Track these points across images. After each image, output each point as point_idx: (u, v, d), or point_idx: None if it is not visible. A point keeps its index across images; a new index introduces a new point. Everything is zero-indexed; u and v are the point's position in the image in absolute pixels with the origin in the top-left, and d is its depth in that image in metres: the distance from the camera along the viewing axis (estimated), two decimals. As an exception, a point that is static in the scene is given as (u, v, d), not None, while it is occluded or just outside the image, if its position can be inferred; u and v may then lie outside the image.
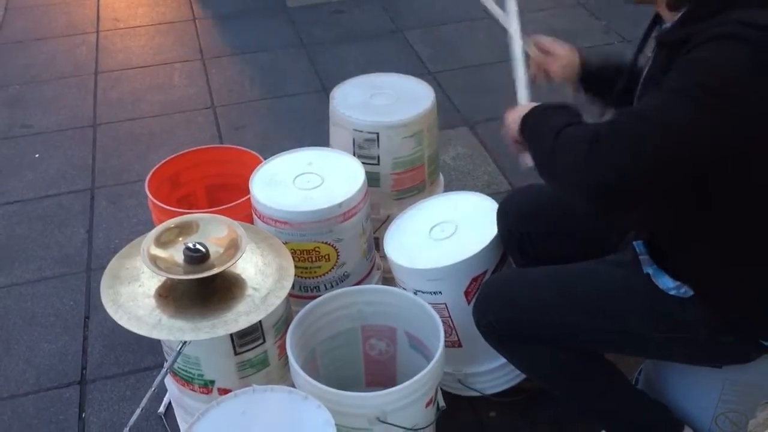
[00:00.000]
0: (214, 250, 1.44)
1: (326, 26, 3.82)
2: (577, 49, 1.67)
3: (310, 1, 4.06)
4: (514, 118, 1.43)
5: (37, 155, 2.94)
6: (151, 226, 1.93)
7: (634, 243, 1.40)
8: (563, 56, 1.66)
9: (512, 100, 2.99)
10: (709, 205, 1.25)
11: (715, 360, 1.40)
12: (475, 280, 1.68)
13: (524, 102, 1.56)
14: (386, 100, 2.04)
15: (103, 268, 1.51)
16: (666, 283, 1.35)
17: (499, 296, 1.49)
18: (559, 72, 1.66)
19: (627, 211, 1.28)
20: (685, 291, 1.34)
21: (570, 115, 1.31)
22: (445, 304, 1.70)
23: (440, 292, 1.69)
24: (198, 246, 1.41)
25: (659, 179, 1.15)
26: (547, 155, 1.26)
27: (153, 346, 2.00)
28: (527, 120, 1.38)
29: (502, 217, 1.70)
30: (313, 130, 2.90)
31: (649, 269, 1.37)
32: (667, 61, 1.23)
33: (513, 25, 1.68)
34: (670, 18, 1.29)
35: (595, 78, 1.64)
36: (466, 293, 1.68)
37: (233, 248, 1.44)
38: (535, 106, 1.39)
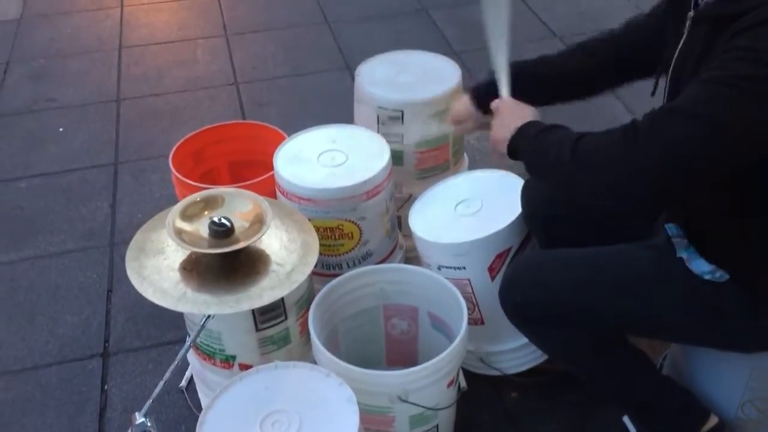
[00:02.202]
0: (239, 224, 1.43)
1: (351, 4, 3.78)
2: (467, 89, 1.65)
3: (334, -23, 4.02)
4: (502, 134, 1.40)
5: (61, 129, 2.95)
6: (174, 201, 1.93)
7: (666, 226, 1.38)
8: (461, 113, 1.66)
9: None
10: (752, 187, 1.21)
11: (747, 346, 1.38)
12: (499, 256, 1.66)
13: (506, 95, 1.52)
14: (412, 77, 2.02)
15: (126, 242, 1.52)
16: (701, 266, 1.33)
17: (527, 277, 1.47)
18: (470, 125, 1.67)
19: (671, 206, 1.26)
20: (721, 275, 1.31)
21: (573, 132, 1.28)
22: (469, 279, 1.69)
23: (464, 268, 1.68)
24: (223, 220, 1.41)
25: (707, 176, 1.13)
26: (565, 167, 1.23)
27: (175, 320, 2.01)
28: (518, 142, 1.36)
29: (526, 198, 1.68)
30: (336, 108, 2.87)
31: (683, 253, 1.35)
32: (708, 39, 1.18)
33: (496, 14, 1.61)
34: None
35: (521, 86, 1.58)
36: (491, 269, 1.67)
37: (258, 223, 1.43)
38: (522, 128, 1.36)
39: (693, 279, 1.33)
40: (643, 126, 1.15)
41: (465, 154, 2.20)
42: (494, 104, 1.50)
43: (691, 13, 1.25)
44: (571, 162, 1.23)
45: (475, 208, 1.73)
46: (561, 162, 1.24)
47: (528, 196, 1.68)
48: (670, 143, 1.11)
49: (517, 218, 1.67)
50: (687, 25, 1.29)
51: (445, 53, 2.21)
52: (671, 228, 1.37)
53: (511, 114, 1.42)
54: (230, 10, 3.77)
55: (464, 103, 1.66)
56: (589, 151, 1.21)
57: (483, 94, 1.60)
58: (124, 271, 1.46)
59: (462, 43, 3.37)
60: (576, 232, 1.57)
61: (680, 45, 1.30)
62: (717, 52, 1.14)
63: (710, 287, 1.32)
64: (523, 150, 1.37)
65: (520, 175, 1.81)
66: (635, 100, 2.92)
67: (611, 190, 1.20)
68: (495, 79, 1.57)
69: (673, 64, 1.32)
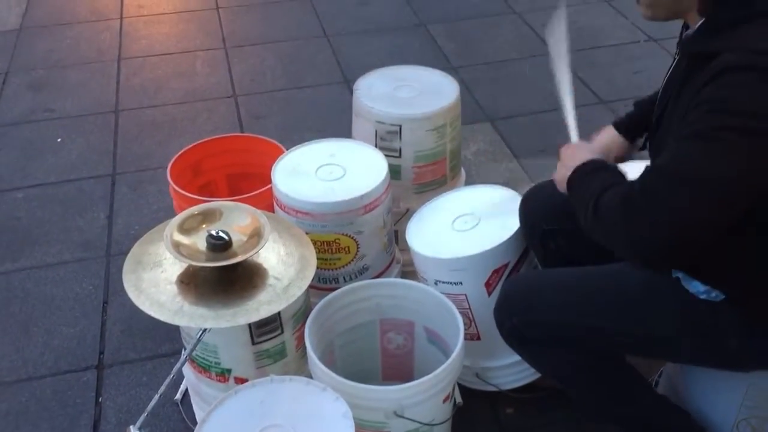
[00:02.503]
0: (237, 238, 1.43)
1: (350, 18, 3.80)
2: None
3: (333, -8, 4.05)
4: (562, 174, 1.42)
5: (59, 139, 2.96)
6: (171, 213, 1.93)
7: None
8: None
9: (534, 96, 2.99)
10: (748, 216, 1.22)
11: (743, 365, 1.38)
12: (496, 272, 1.67)
13: (576, 139, 1.55)
14: (410, 92, 2.03)
15: (123, 253, 1.52)
16: (696, 287, 1.33)
17: (523, 298, 1.47)
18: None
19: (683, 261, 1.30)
20: (716, 295, 1.32)
21: (612, 176, 1.31)
22: (466, 295, 1.69)
23: (461, 283, 1.68)
24: (221, 234, 1.41)
25: (706, 232, 1.15)
26: (591, 221, 1.27)
27: (171, 332, 2.01)
28: (572, 181, 1.38)
29: (525, 212, 1.69)
30: (335, 121, 2.89)
31: (678, 273, 1.35)
32: (686, 73, 1.22)
33: (562, 65, 1.65)
34: (694, 23, 1.26)
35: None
36: (487, 285, 1.67)
37: (256, 237, 1.44)
38: (580, 167, 1.37)
39: (688, 298, 1.34)
40: (637, 192, 1.18)
41: (462, 169, 2.20)
42: (562, 149, 1.50)
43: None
44: (591, 218, 1.27)
45: (472, 223, 1.74)
46: (586, 216, 1.28)
47: (527, 209, 1.68)
48: (661, 213, 1.15)
49: (514, 234, 1.67)
50: (675, 55, 1.34)
51: (443, 68, 2.23)
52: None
53: (573, 156, 1.43)
54: (230, 23, 3.79)
55: (610, 134, 1.66)
56: (602, 212, 1.25)
57: (625, 127, 1.64)
58: (121, 282, 1.46)
59: (460, 58, 3.39)
60: (574, 247, 1.58)
61: (667, 75, 1.35)
62: (692, 94, 1.17)
63: (705, 306, 1.33)
64: (572, 190, 1.39)
65: (516, 190, 1.83)
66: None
67: (619, 251, 1.25)
68: (636, 113, 1.63)
69: (660, 93, 1.37)
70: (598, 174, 1.33)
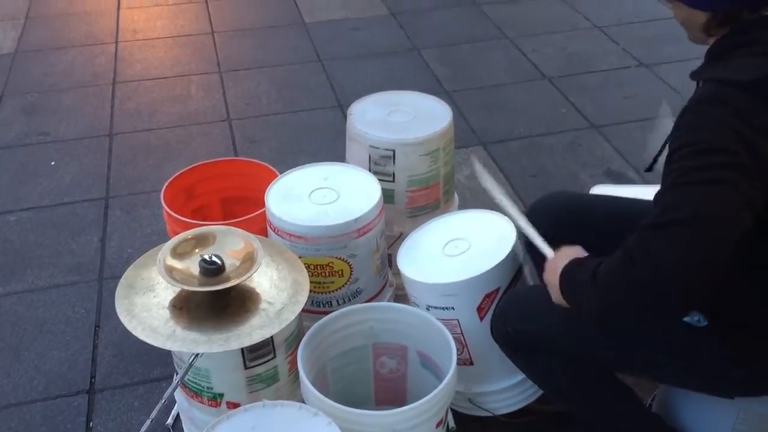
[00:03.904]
0: (230, 262, 1.44)
1: (343, 42, 3.84)
2: None
3: (328, 17, 4.09)
4: (553, 283, 1.39)
5: (53, 163, 2.96)
6: (165, 236, 1.94)
7: None
8: None
9: (526, 121, 3.01)
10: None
11: (726, 391, 1.39)
12: (488, 296, 1.67)
13: (551, 255, 1.52)
14: (404, 117, 2.04)
15: (115, 276, 1.52)
16: None
17: (518, 307, 1.50)
18: None
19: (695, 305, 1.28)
20: (699, 320, 1.33)
21: (597, 259, 1.29)
22: (458, 320, 1.69)
23: (453, 308, 1.68)
24: (214, 258, 1.41)
25: (710, 275, 1.14)
26: (596, 309, 1.24)
27: (163, 357, 2.00)
28: (563, 284, 1.35)
29: (532, 221, 1.70)
30: (329, 145, 2.91)
31: None
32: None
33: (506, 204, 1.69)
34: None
35: None
36: (479, 309, 1.67)
37: (249, 261, 1.44)
38: (564, 271, 1.35)
39: (673, 321, 1.34)
40: (634, 250, 1.15)
41: (455, 193, 2.22)
42: (545, 271, 1.46)
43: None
44: (595, 304, 1.24)
45: (464, 247, 1.74)
46: (587, 300, 1.26)
47: (534, 217, 1.69)
48: (664, 265, 1.12)
49: (506, 258, 1.68)
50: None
51: (436, 92, 2.25)
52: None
53: (555, 268, 1.39)
54: (225, 48, 3.82)
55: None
56: (601, 286, 1.21)
57: None
58: (113, 306, 1.46)
59: (452, 83, 3.42)
60: None
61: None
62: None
63: (689, 331, 1.33)
64: (565, 292, 1.35)
65: (509, 216, 1.83)
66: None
67: (632, 314, 1.23)
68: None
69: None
70: (583, 263, 1.31)
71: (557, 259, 1.40)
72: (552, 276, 1.38)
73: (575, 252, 1.39)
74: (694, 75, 1.26)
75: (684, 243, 1.11)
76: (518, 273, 1.74)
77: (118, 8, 4.24)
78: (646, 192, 1.67)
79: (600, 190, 2.08)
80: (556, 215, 1.69)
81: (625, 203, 1.67)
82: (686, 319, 1.33)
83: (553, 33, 3.83)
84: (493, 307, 1.67)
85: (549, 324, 1.43)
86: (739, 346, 1.31)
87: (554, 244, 1.64)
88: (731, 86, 1.14)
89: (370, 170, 1.95)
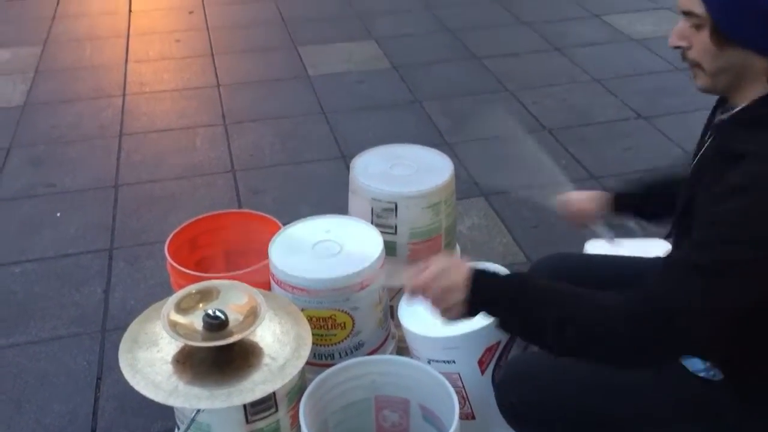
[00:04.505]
0: (234, 317, 1.44)
1: (347, 95, 3.90)
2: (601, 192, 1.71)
3: (331, 70, 4.17)
4: (445, 294, 1.28)
5: (58, 214, 2.99)
6: (168, 288, 1.95)
7: None
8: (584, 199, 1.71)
9: (527, 172, 2.96)
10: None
11: None
12: (489, 350, 1.67)
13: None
14: (406, 170, 2.07)
15: (118, 328, 1.53)
16: (696, 365, 1.33)
17: (524, 377, 1.46)
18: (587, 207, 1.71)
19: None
20: (715, 374, 1.32)
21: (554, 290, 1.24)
22: (459, 374, 1.69)
23: (454, 362, 1.68)
24: (218, 313, 1.42)
25: (713, 343, 1.15)
26: (569, 352, 1.23)
27: (164, 410, 1.96)
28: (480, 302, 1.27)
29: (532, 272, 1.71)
30: (332, 196, 2.93)
31: None
32: (718, 165, 1.18)
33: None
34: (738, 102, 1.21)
35: (641, 201, 1.66)
36: (480, 363, 1.67)
37: (252, 316, 1.45)
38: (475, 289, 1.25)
39: (687, 376, 1.34)
40: (644, 311, 1.14)
41: (457, 245, 2.23)
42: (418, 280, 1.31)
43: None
44: (570, 345, 1.20)
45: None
46: (561, 344, 1.21)
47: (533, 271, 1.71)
48: (673, 335, 1.12)
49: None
50: (705, 138, 1.30)
51: (438, 144, 2.29)
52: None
53: (444, 274, 1.28)
54: (230, 100, 3.88)
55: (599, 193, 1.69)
56: (586, 333, 1.18)
57: (624, 199, 1.68)
58: (115, 358, 1.46)
59: (454, 135, 3.46)
60: None
61: (697, 159, 1.31)
62: (715, 198, 1.14)
63: (704, 385, 1.32)
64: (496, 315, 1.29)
65: (506, 266, 1.84)
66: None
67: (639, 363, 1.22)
68: (640, 192, 1.66)
69: (689, 177, 1.30)
70: (522, 289, 1.25)
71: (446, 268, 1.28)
72: (444, 279, 1.26)
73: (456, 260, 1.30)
74: (726, 137, 1.19)
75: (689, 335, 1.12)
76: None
77: (126, 62, 4.33)
78: (641, 248, 1.70)
79: (594, 244, 2.08)
80: (556, 277, 1.65)
81: (625, 262, 1.67)
82: (701, 373, 1.33)
83: (552, 86, 3.89)
84: (494, 360, 1.67)
85: (557, 393, 1.41)
86: (757, 398, 1.29)
87: None
88: None
89: (372, 222, 1.97)
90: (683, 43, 1.23)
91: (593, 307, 1.18)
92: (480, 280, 1.26)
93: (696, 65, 1.23)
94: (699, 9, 1.17)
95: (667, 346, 1.14)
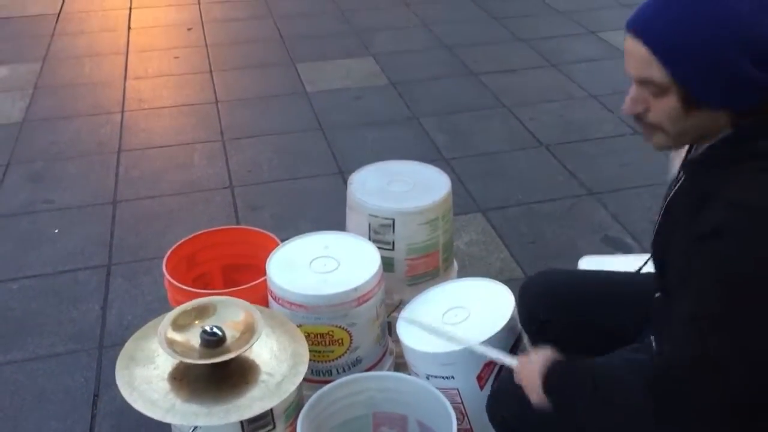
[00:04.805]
0: (231, 334, 1.45)
1: (345, 111, 3.92)
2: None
3: (329, 86, 4.19)
4: (531, 388, 1.35)
5: (56, 230, 2.99)
6: (166, 304, 1.95)
7: (652, 338, 1.40)
8: None
9: (524, 188, 3.03)
10: None
11: None
12: (488, 365, 1.67)
13: (514, 362, 1.48)
14: (403, 187, 2.08)
15: (115, 344, 1.53)
16: None
17: (513, 392, 1.47)
18: None
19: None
20: None
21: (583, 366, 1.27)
22: (458, 389, 1.69)
23: (453, 377, 1.68)
24: (215, 329, 1.42)
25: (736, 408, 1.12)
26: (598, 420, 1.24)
27: (161, 426, 1.96)
28: (548, 390, 1.32)
29: (524, 300, 1.71)
30: (329, 212, 2.94)
31: None
32: (692, 202, 1.16)
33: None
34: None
35: None
36: (479, 378, 1.67)
37: (249, 332, 1.45)
38: (547, 375, 1.31)
39: None
40: (663, 387, 1.13)
41: (455, 261, 2.23)
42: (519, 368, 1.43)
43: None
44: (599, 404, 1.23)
45: (463, 316, 1.75)
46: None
47: (526, 298, 1.70)
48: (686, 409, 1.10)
49: (505, 326, 1.68)
50: (678, 176, 1.28)
51: (435, 159, 2.30)
52: (655, 341, 1.39)
53: (531, 372, 1.36)
54: (228, 117, 3.90)
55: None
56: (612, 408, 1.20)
57: None
58: (112, 375, 1.46)
59: (451, 150, 3.48)
60: (570, 339, 1.58)
61: (670, 196, 1.30)
62: (692, 238, 1.11)
63: None
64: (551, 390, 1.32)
65: (503, 282, 1.85)
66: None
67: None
68: None
69: (661, 217, 1.31)
70: (571, 367, 1.29)
71: (531, 362, 1.37)
72: (531, 380, 1.34)
73: (547, 355, 1.35)
74: (696, 175, 1.18)
75: (710, 388, 1.10)
76: (517, 341, 1.74)
77: (125, 78, 4.35)
78: (634, 263, 1.70)
79: (588, 260, 2.09)
80: (550, 294, 1.67)
81: (618, 279, 1.68)
82: None
83: (549, 102, 3.91)
84: (493, 375, 1.67)
85: (547, 412, 1.40)
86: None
87: (546, 326, 1.65)
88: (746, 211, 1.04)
89: (369, 239, 1.98)
90: (640, 109, 1.19)
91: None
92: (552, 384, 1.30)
93: (656, 128, 1.19)
94: (659, 76, 1.12)
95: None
